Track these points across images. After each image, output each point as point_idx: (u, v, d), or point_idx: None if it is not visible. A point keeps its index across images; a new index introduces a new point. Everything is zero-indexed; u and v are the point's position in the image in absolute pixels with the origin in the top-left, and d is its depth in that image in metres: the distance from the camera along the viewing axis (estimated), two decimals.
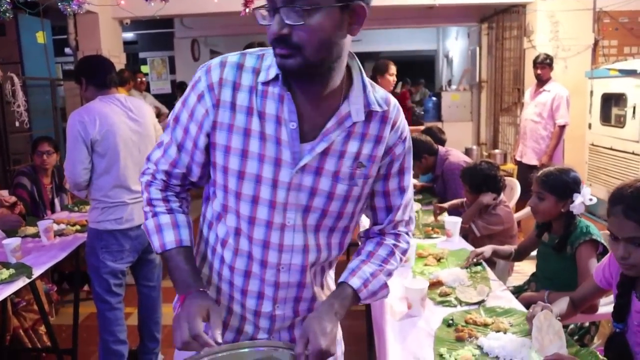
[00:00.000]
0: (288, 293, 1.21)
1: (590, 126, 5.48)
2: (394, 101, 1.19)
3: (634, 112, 4.68)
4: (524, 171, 4.67)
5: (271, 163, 1.11)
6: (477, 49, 8.13)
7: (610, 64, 5.66)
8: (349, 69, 1.13)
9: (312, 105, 1.10)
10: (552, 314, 1.48)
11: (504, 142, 7.37)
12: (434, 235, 2.68)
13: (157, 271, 2.75)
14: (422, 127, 5.85)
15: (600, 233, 1.99)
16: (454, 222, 2.56)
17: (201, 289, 1.13)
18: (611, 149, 5.04)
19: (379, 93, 1.16)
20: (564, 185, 2.03)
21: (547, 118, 4.74)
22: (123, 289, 2.59)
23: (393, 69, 4.49)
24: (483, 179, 2.73)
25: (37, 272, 2.30)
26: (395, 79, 4.54)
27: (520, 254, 2.38)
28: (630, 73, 4.70)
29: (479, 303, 1.85)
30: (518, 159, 5.10)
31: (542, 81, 4.85)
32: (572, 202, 2.01)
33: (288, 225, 1.15)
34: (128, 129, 2.47)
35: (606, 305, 1.94)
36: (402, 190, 1.25)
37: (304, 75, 1.05)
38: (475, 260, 2.19)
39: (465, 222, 2.71)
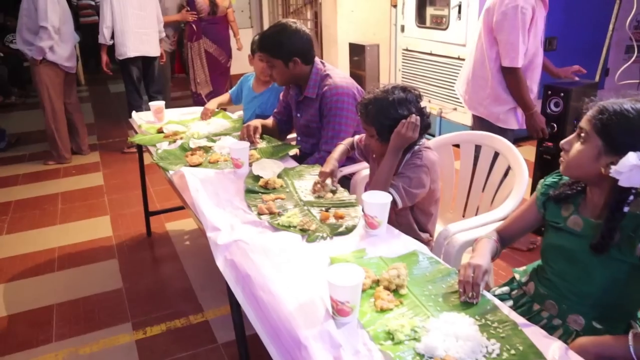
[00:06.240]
0: None
1: (403, 29, 4.84)
2: None
3: (459, 12, 4.12)
4: None
5: None
6: None
7: None
8: None
9: None
10: None
11: None
12: (341, 228, 1.56)
13: None
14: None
15: None
16: (382, 204, 1.47)
17: None
18: (431, 54, 4.49)
19: None
20: None
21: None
22: None
23: None
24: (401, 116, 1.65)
25: None
26: None
27: (505, 242, 1.45)
28: None
29: None
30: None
31: None
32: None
33: None
34: None
35: None
36: None
37: None
38: (477, 291, 1.19)
39: (382, 186, 1.64)
